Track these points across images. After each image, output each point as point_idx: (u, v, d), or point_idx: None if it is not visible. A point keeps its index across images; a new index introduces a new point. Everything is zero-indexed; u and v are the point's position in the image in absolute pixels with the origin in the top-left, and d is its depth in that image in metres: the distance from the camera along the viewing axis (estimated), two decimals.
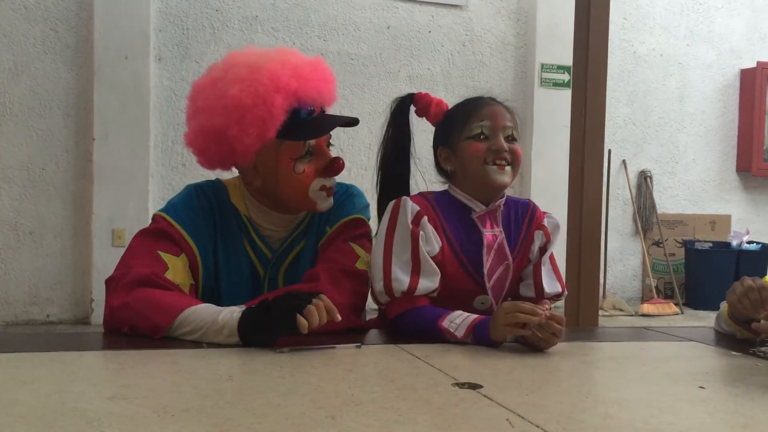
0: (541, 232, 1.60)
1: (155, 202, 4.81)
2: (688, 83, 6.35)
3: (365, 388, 1.04)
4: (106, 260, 4.58)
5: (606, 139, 2.74)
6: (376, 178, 1.65)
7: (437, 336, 1.41)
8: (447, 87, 5.47)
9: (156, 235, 1.50)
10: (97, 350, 1.33)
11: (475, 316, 1.40)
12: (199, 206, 1.56)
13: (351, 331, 1.46)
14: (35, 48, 4.69)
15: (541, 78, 5.67)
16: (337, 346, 1.30)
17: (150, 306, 1.35)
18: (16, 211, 4.69)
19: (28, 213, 4.71)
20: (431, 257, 1.47)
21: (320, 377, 1.10)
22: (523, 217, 1.61)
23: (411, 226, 1.47)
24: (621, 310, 5.67)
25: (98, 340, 1.42)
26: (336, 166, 1.55)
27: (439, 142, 1.61)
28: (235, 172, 1.63)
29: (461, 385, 1.06)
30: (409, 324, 1.46)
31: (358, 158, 5.36)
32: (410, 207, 1.49)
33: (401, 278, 1.44)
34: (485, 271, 1.53)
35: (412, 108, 1.65)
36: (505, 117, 1.54)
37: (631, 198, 6.16)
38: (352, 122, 1.60)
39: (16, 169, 4.68)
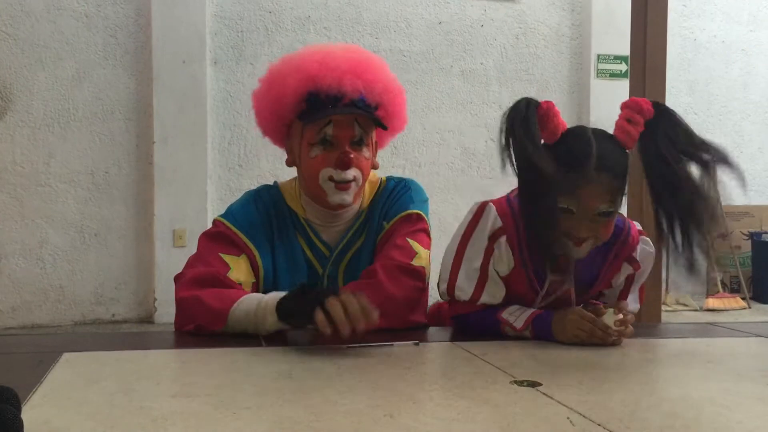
0: (629, 265, 1.47)
1: (213, 202, 4.91)
2: (752, 70, 6.14)
3: (423, 386, 1.04)
4: (168, 260, 4.70)
5: None
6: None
7: (495, 328, 1.41)
8: (501, 81, 5.42)
9: (216, 238, 1.55)
10: (161, 349, 1.37)
11: (534, 309, 1.40)
12: (256, 211, 1.60)
13: (409, 329, 1.47)
14: (96, 55, 4.83)
15: (598, 69, 5.56)
16: (395, 343, 1.30)
17: (211, 299, 1.40)
18: (82, 214, 4.85)
19: (93, 215, 4.86)
20: (501, 276, 1.42)
21: (378, 375, 1.10)
22: (613, 242, 1.43)
23: (487, 242, 1.39)
24: (685, 305, 5.53)
25: (162, 339, 1.46)
26: (343, 159, 1.51)
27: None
28: (287, 173, 1.68)
29: (520, 383, 1.05)
30: (469, 321, 1.47)
31: (411, 155, 5.36)
32: (492, 219, 1.40)
33: (465, 288, 1.42)
34: (544, 290, 1.45)
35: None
36: (600, 198, 1.28)
37: None
38: (370, 116, 1.54)
39: (81, 173, 4.83)
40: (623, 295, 1.53)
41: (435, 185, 5.26)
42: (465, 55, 5.48)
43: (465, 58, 5.48)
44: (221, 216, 1.60)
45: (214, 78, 4.99)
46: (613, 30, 5.40)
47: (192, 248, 1.57)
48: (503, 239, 1.39)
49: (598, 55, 5.56)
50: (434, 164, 5.35)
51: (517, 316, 1.38)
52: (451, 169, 5.43)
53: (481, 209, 1.42)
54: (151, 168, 4.85)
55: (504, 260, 1.41)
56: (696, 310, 5.42)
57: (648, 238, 1.49)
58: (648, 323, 2.36)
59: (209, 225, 1.61)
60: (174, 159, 4.83)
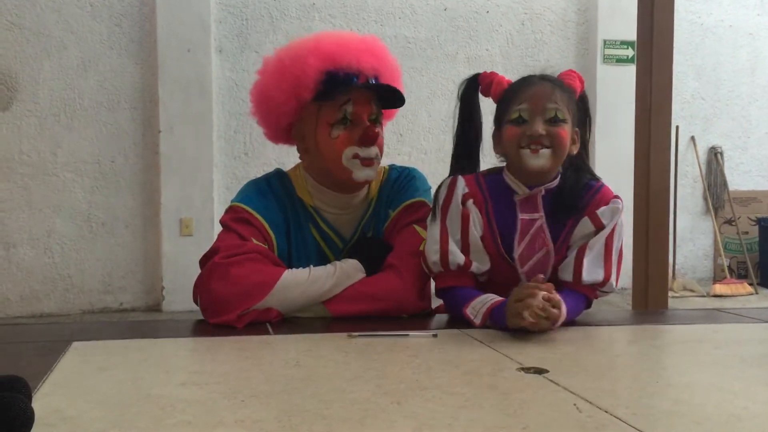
0: (587, 219, 1.45)
1: (220, 191, 4.91)
2: (760, 54, 6.09)
3: (430, 374, 1.04)
4: (175, 249, 4.71)
5: (673, 115, 2.66)
6: (451, 159, 1.64)
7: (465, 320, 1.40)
8: (506, 67, 5.39)
9: (243, 222, 1.51)
10: (169, 337, 1.37)
11: (494, 300, 1.36)
12: (272, 195, 1.59)
13: (420, 316, 1.47)
14: (102, 44, 4.83)
15: (604, 54, 5.53)
16: (410, 333, 1.30)
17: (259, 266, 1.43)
18: (89, 203, 4.86)
19: (100, 204, 4.88)
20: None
21: (385, 363, 1.11)
22: (582, 202, 1.47)
23: (461, 207, 1.47)
24: (692, 291, 5.52)
25: (170, 327, 1.46)
26: (368, 134, 1.54)
27: (494, 125, 1.57)
28: (293, 162, 1.66)
29: (527, 370, 1.05)
30: (449, 302, 1.50)
31: (417, 143, 5.35)
32: (461, 187, 1.49)
33: (457, 254, 1.44)
34: (516, 256, 1.46)
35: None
36: (547, 97, 1.41)
37: (701, 175, 5.97)
38: (391, 94, 1.59)
39: (88, 162, 4.84)
40: (580, 252, 1.43)
41: (441, 172, 5.16)
42: (470, 41, 5.45)
43: (470, 45, 5.45)
44: (240, 201, 1.55)
45: (220, 66, 4.99)
46: (619, 15, 5.37)
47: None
48: (470, 201, 1.48)
49: (605, 41, 5.53)
50: (440, 151, 5.33)
51: (477, 311, 1.37)
52: None
53: (453, 182, 1.51)
54: (157, 157, 4.85)
55: (476, 221, 1.47)
56: (703, 296, 5.42)
57: (620, 201, 1.49)
58: (654, 310, 2.36)
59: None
60: (180, 148, 4.83)
